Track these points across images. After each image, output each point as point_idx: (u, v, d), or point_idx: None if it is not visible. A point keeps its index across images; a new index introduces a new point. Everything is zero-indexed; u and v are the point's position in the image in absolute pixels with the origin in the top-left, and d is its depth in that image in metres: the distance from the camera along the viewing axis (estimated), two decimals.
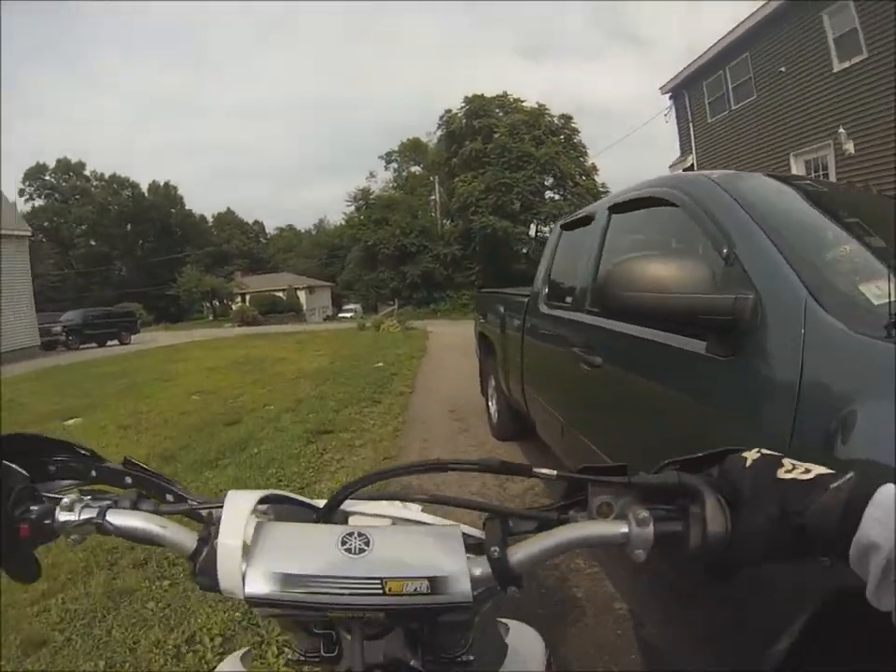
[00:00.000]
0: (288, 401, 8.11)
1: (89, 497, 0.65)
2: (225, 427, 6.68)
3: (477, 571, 0.59)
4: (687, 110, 19.40)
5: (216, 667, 0.84)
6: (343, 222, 51.21)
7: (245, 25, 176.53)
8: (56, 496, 0.65)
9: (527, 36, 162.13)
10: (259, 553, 0.59)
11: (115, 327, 26.89)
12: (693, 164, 18.87)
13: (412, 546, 0.61)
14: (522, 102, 41.58)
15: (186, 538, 0.63)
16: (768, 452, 0.56)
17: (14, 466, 0.62)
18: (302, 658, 0.69)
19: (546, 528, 0.64)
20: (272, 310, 47.27)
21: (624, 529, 0.58)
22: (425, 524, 0.71)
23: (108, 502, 0.65)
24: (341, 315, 46.97)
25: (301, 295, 52.76)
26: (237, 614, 2.73)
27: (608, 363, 2.50)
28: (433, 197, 47.92)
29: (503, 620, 0.86)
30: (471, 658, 0.69)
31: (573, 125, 40.97)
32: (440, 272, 41.22)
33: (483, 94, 41.71)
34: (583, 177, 39.30)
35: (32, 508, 0.62)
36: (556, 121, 40.68)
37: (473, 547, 0.63)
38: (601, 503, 0.62)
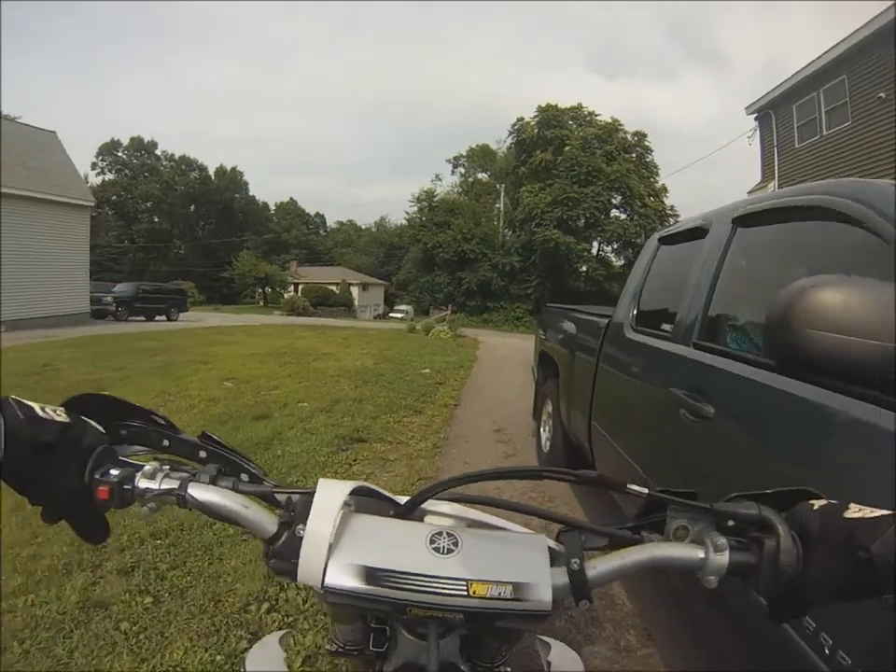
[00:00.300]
0: (325, 401, 7.68)
1: (168, 468, 0.66)
2: (252, 420, 6.26)
3: (555, 581, 0.60)
4: (773, 133, 18.41)
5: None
6: (405, 222, 50.62)
7: (317, 21, 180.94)
8: (136, 462, 0.66)
9: (601, 52, 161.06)
10: (344, 545, 0.60)
11: (165, 302, 27.22)
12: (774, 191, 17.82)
13: (499, 551, 0.63)
14: (596, 115, 40.97)
15: (266, 520, 0.63)
16: (834, 501, 0.57)
17: (96, 425, 0.65)
18: (341, 649, 0.74)
19: (619, 545, 0.65)
20: (323, 302, 47.45)
21: (701, 554, 0.60)
22: (504, 529, 0.72)
23: (188, 474, 0.66)
24: (392, 314, 46.91)
25: (354, 291, 52.99)
26: (219, 657, 2.35)
27: (725, 417, 1.94)
28: (498, 205, 47.38)
29: (544, 637, 0.85)
30: (509, 670, 0.72)
31: (646, 143, 40.14)
32: (496, 281, 40.71)
33: (556, 105, 40.95)
34: (652, 198, 38.24)
35: (112, 472, 0.63)
36: (630, 138, 39.89)
37: (551, 557, 0.63)
38: (678, 526, 0.64)
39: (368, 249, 73.32)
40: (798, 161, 17.31)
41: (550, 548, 0.64)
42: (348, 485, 0.63)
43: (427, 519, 0.73)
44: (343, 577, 0.57)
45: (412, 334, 22.69)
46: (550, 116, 40.16)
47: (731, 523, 0.62)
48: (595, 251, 39.99)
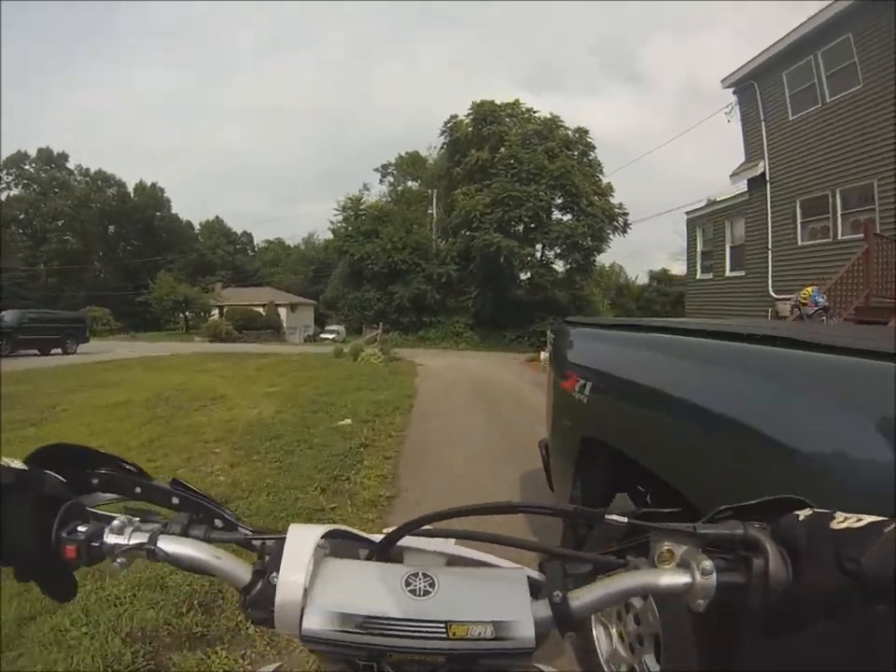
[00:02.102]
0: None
1: (138, 520, 0.63)
2: None
3: (538, 615, 0.58)
4: (758, 107, 16.16)
5: None
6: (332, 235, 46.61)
7: (246, 30, 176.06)
8: (104, 513, 0.63)
9: (532, 67, 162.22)
10: (319, 591, 0.57)
11: (60, 333, 23.25)
12: (764, 172, 15.84)
13: (477, 589, 0.60)
14: (534, 112, 37.79)
15: (240, 569, 0.62)
16: (820, 510, 0.56)
17: (61, 479, 0.61)
18: None
19: (603, 571, 0.63)
20: (248, 326, 43.60)
21: (687, 579, 0.57)
22: (485, 563, 0.71)
23: (159, 526, 0.63)
24: (322, 335, 43.10)
25: (282, 312, 49.15)
26: None
27: None
28: (430, 211, 44.43)
29: (541, 666, 0.76)
30: None
31: (588, 139, 36.97)
32: (431, 294, 37.13)
33: (492, 100, 37.43)
34: (598, 197, 35.24)
35: (79, 528, 0.59)
36: (571, 135, 36.70)
37: (532, 589, 0.61)
38: (663, 550, 0.61)
39: (296, 268, 69.95)
40: (794, 136, 15.10)
41: (531, 579, 0.62)
42: (320, 529, 0.61)
43: (408, 557, 0.71)
44: (321, 623, 0.55)
45: (338, 359, 19.61)
46: (485, 112, 36.77)
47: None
48: (538, 255, 36.91)
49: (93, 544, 0.59)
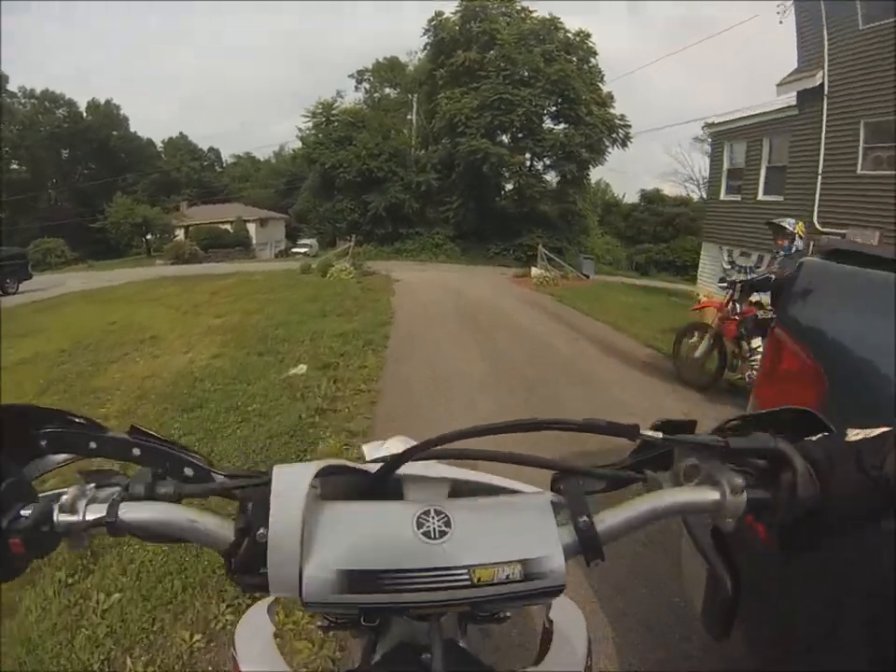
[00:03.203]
0: None
1: (92, 486, 0.52)
2: None
3: (564, 538, 0.53)
4: (822, 10, 13.18)
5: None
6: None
7: None
8: (53, 492, 0.51)
9: None
10: (318, 545, 0.49)
11: None
12: (823, 84, 13.06)
13: (498, 523, 0.53)
14: (531, 11, 32.70)
15: (220, 528, 0.51)
16: (833, 428, 0.58)
17: None
18: (333, 624, 0.65)
19: (622, 486, 0.60)
20: (215, 244, 40.36)
21: (717, 496, 0.54)
22: (497, 488, 0.62)
23: (117, 490, 0.52)
24: (294, 249, 40.31)
25: (251, 228, 45.63)
26: None
27: None
28: (410, 116, 40.10)
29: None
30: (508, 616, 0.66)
31: (590, 44, 32.28)
32: (410, 204, 33.04)
33: None
34: (598, 107, 31.13)
35: (23, 513, 0.47)
36: (572, 38, 32.16)
37: (556, 510, 0.55)
38: (688, 465, 0.58)
39: (267, 182, 65.34)
40: (864, 48, 12.20)
41: (552, 503, 0.56)
42: (310, 468, 0.51)
43: (408, 488, 0.60)
44: (323, 587, 0.47)
45: (305, 276, 17.52)
46: (476, 6, 31.66)
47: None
48: (527, 165, 32.82)
49: (43, 529, 0.48)
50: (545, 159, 32.70)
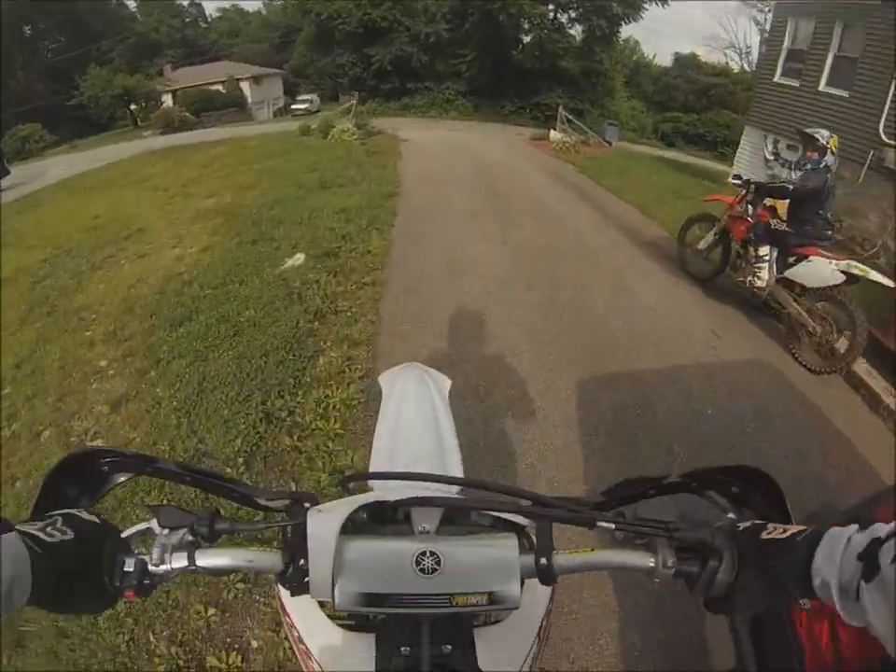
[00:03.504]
0: None
1: (166, 532, 0.66)
2: None
3: (524, 571, 0.68)
4: None
5: None
6: None
7: None
8: (136, 529, 0.67)
9: None
10: (346, 573, 0.65)
11: None
12: None
13: (476, 561, 0.69)
14: None
15: (272, 562, 0.68)
16: (758, 521, 0.66)
17: (97, 521, 0.63)
18: (351, 623, 0.85)
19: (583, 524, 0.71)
20: (207, 108, 37.54)
21: (651, 564, 0.68)
22: (484, 514, 0.76)
23: (185, 532, 0.67)
24: (294, 106, 37.46)
25: (245, 86, 42.34)
26: None
27: None
28: None
29: None
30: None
31: None
32: (418, 57, 29.68)
33: None
34: None
35: (126, 568, 0.63)
36: None
37: (522, 543, 0.71)
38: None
39: (258, 36, 59.87)
40: None
41: (521, 535, 0.72)
42: (340, 515, 0.66)
43: (414, 510, 0.75)
44: (350, 603, 0.65)
45: (305, 138, 16.05)
46: None
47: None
48: (550, 17, 28.89)
49: (145, 582, 0.63)
50: (570, 11, 28.58)
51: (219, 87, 41.29)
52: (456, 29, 29.23)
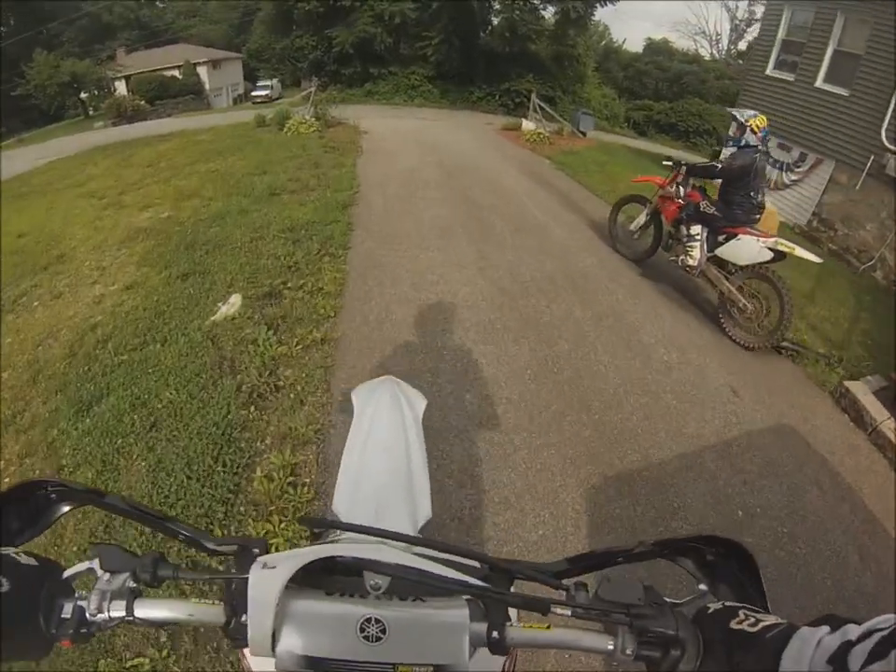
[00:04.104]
0: None
1: (107, 577, 0.64)
2: None
3: (474, 641, 0.65)
4: None
5: None
6: None
7: None
8: (76, 569, 0.65)
9: None
10: (287, 634, 0.64)
11: None
12: None
13: (421, 631, 0.66)
14: None
15: (212, 615, 0.65)
16: (730, 604, 0.63)
17: (35, 563, 0.62)
18: None
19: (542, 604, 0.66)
20: (162, 95, 35.45)
21: (611, 647, 0.64)
22: (434, 580, 0.67)
23: (131, 586, 0.65)
24: (254, 93, 35.86)
25: (202, 72, 40.15)
26: None
27: None
28: None
29: None
30: None
31: None
32: (381, 39, 27.43)
33: None
34: None
35: (63, 615, 0.61)
36: None
37: (474, 611, 0.67)
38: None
39: (218, 17, 57.32)
40: None
41: (472, 600, 0.68)
42: (281, 576, 0.62)
43: (366, 575, 0.70)
44: (291, 663, 0.63)
45: (260, 130, 14.92)
46: None
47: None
48: None
49: (82, 631, 0.61)
50: None
51: (175, 72, 39.45)
52: (423, 9, 27.39)
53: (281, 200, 7.57)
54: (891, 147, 9.43)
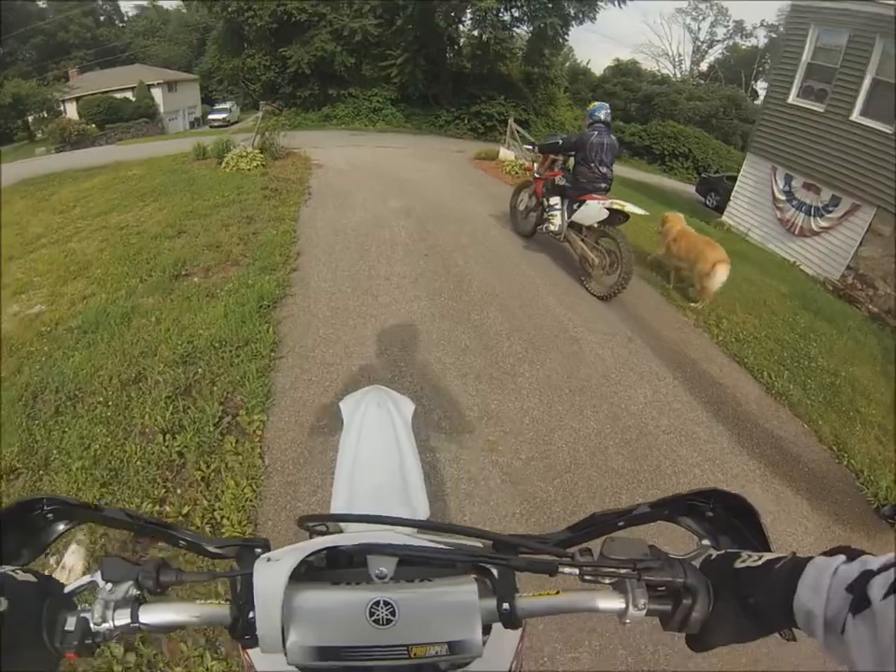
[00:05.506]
0: None
1: (109, 587, 0.61)
2: None
3: (486, 616, 0.63)
4: None
5: None
6: None
7: None
8: (79, 585, 0.63)
9: None
10: (296, 625, 0.61)
11: None
12: None
13: (433, 609, 0.64)
14: None
15: (220, 614, 0.63)
16: (732, 550, 0.63)
17: (34, 579, 0.59)
18: None
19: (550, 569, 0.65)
20: (112, 118, 32.88)
21: (622, 605, 0.63)
22: (440, 557, 0.68)
23: (135, 593, 0.62)
24: (211, 116, 33.72)
25: (157, 94, 37.61)
26: None
27: None
28: None
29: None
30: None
31: None
32: (341, 59, 25.09)
33: None
34: None
35: (67, 628, 0.58)
36: None
37: (482, 588, 0.65)
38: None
39: (177, 37, 55.10)
40: None
41: (480, 578, 0.67)
42: (285, 567, 0.61)
43: (370, 556, 0.69)
44: (303, 657, 0.61)
45: (198, 164, 12.78)
46: None
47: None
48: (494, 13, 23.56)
49: (87, 642, 0.59)
50: (514, 10, 24.53)
51: (130, 94, 36.81)
52: (386, 26, 25.01)
53: (187, 288, 5.39)
54: None
